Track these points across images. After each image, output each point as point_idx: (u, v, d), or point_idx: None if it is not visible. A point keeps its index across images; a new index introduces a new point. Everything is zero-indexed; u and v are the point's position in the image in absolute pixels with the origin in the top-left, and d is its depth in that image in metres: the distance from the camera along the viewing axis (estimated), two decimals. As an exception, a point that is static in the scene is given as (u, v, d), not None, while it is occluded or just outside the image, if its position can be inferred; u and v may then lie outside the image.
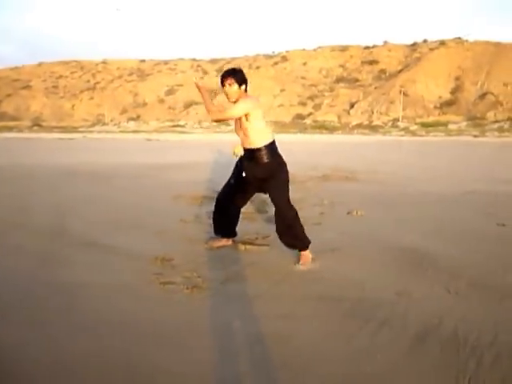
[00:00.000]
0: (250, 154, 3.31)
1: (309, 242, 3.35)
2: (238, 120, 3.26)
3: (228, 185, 3.58)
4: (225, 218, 3.60)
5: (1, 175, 8.67)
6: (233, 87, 3.22)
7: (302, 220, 4.56)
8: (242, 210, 5.26)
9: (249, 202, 5.55)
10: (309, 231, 4.23)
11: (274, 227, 4.32)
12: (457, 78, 53.16)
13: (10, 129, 49.53)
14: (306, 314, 2.49)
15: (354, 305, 2.59)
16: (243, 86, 3.25)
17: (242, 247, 3.64)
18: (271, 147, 3.30)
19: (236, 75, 3.24)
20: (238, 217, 3.70)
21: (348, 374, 1.92)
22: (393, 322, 2.37)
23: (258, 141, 3.26)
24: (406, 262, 3.37)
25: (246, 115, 3.17)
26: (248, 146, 3.31)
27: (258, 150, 3.27)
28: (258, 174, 3.33)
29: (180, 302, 2.63)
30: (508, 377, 1.88)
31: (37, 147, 19.60)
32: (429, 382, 1.86)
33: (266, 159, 3.27)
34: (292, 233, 3.34)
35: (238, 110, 3.18)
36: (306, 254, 3.33)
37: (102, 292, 2.78)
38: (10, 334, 2.25)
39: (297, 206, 5.28)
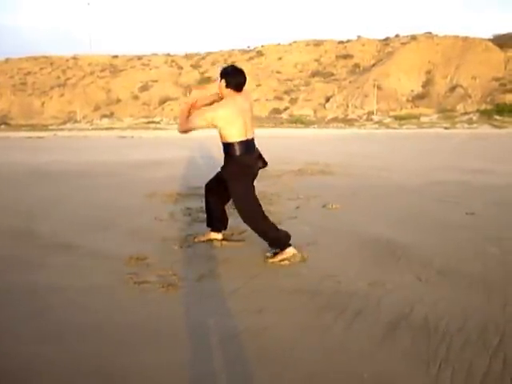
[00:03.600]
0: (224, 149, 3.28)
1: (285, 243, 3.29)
2: None
3: (216, 177, 3.51)
4: (217, 210, 3.56)
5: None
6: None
7: (277, 215, 4.60)
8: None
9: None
10: (285, 225, 4.26)
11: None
12: (428, 72, 54.22)
13: (-24, 128, 47.76)
14: (282, 308, 2.51)
15: (329, 297, 2.63)
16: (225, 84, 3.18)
17: (217, 243, 3.63)
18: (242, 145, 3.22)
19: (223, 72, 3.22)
20: (225, 212, 3.67)
21: (323, 364, 1.95)
22: (366, 313, 2.42)
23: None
24: (380, 253, 3.44)
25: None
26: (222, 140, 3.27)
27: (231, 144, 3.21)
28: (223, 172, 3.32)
29: (155, 301, 2.61)
30: (476, 360, 1.95)
31: (3, 146, 19.00)
32: (401, 369, 1.91)
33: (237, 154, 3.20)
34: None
35: (199, 121, 3.17)
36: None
37: (75, 294, 2.73)
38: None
39: (272, 201, 5.33)
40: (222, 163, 3.33)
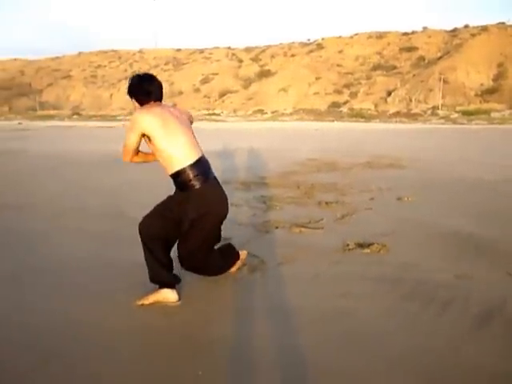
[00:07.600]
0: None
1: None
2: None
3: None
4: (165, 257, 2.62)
5: (48, 163, 9.08)
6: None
7: (352, 206, 4.62)
8: (291, 194, 5.36)
9: (296, 187, 5.63)
10: (361, 216, 4.28)
11: (325, 212, 4.37)
12: (499, 65, 50.75)
13: (51, 117, 51.36)
14: (366, 294, 2.54)
15: (413, 286, 2.63)
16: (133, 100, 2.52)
17: (296, 230, 3.73)
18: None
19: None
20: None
21: (413, 350, 1.97)
22: (455, 304, 2.39)
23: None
24: (462, 245, 3.37)
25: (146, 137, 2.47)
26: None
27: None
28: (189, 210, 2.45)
29: (242, 280, 2.75)
30: None
31: (80, 135, 20.30)
32: (493, 360, 1.89)
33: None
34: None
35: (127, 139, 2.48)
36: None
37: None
38: (73, 306, 2.46)
39: (345, 192, 5.33)
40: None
